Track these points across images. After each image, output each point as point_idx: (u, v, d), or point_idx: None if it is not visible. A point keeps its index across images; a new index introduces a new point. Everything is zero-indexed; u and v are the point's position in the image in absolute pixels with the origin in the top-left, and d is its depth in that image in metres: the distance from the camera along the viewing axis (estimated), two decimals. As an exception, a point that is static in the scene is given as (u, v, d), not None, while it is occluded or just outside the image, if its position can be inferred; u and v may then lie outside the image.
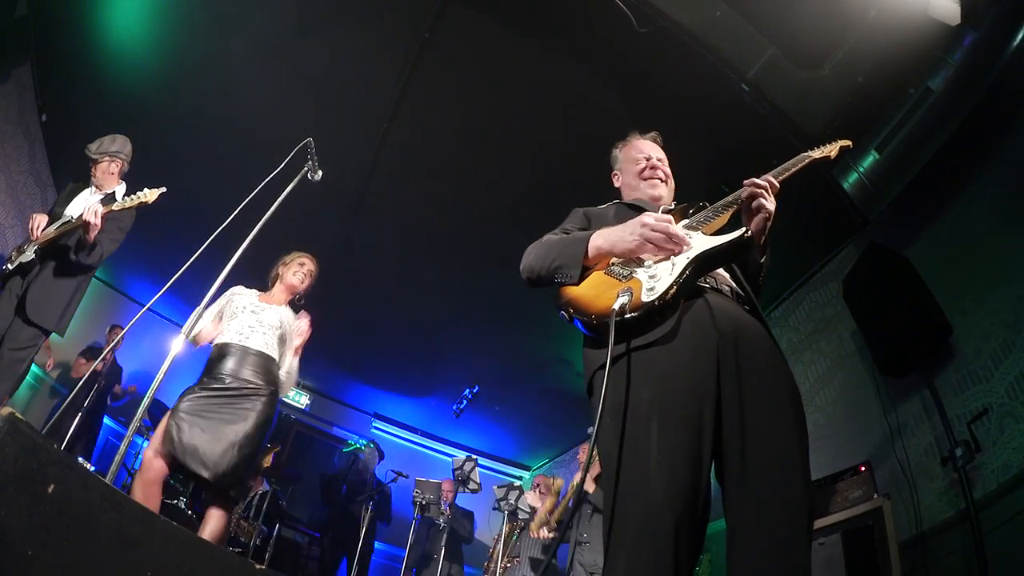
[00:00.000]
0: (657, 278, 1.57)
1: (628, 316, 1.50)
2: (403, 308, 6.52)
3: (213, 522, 2.87)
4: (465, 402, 7.55)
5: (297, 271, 3.55)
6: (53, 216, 3.63)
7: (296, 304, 3.58)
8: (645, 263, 1.66)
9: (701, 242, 1.64)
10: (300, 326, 3.42)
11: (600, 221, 1.94)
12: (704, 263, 1.61)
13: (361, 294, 5.96)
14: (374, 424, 7.73)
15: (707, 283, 1.69)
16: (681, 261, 1.59)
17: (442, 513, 5.86)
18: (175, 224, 5.02)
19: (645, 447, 1.35)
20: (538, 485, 5.91)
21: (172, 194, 3.99)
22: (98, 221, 3.38)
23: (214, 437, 2.87)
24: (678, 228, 1.69)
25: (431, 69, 4.50)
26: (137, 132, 4.01)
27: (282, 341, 3.34)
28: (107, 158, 3.77)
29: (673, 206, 2.05)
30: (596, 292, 1.65)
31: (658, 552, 1.25)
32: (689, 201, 1.96)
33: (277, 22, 4.25)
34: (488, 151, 5.06)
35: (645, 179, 2.12)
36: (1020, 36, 3.11)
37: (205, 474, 2.77)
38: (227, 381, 3.05)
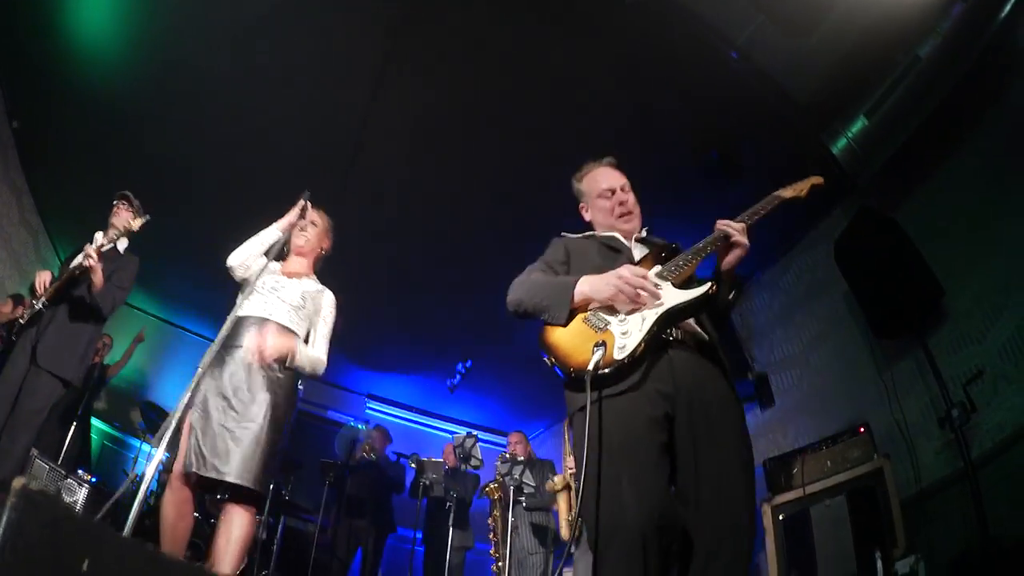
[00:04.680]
0: (628, 333, 1.74)
1: (601, 372, 1.69)
2: (392, 286, 6.47)
3: (238, 524, 2.57)
4: (459, 377, 7.55)
5: (299, 232, 3.12)
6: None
7: (319, 265, 3.23)
8: (619, 315, 1.81)
9: (670, 296, 1.79)
10: (327, 311, 3.06)
11: (580, 258, 2.08)
12: (672, 317, 1.78)
13: (348, 273, 5.88)
14: (368, 405, 7.74)
15: (672, 334, 1.83)
16: (651, 316, 1.75)
17: (446, 483, 5.81)
18: (156, 223, 4.88)
19: (618, 482, 1.61)
20: (518, 443, 5.92)
21: (152, 194, 3.92)
22: (94, 259, 3.40)
23: (234, 428, 2.58)
24: (650, 281, 1.81)
25: (410, 48, 4.36)
26: (113, 133, 3.87)
27: (307, 320, 2.99)
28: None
29: (646, 246, 2.13)
30: (573, 344, 1.81)
31: (632, 568, 1.52)
32: (661, 242, 2.08)
33: (248, 17, 4.06)
34: (472, 127, 4.94)
35: (619, 216, 2.19)
36: (1009, 6, 3.08)
37: (228, 477, 2.49)
38: (246, 355, 2.72)
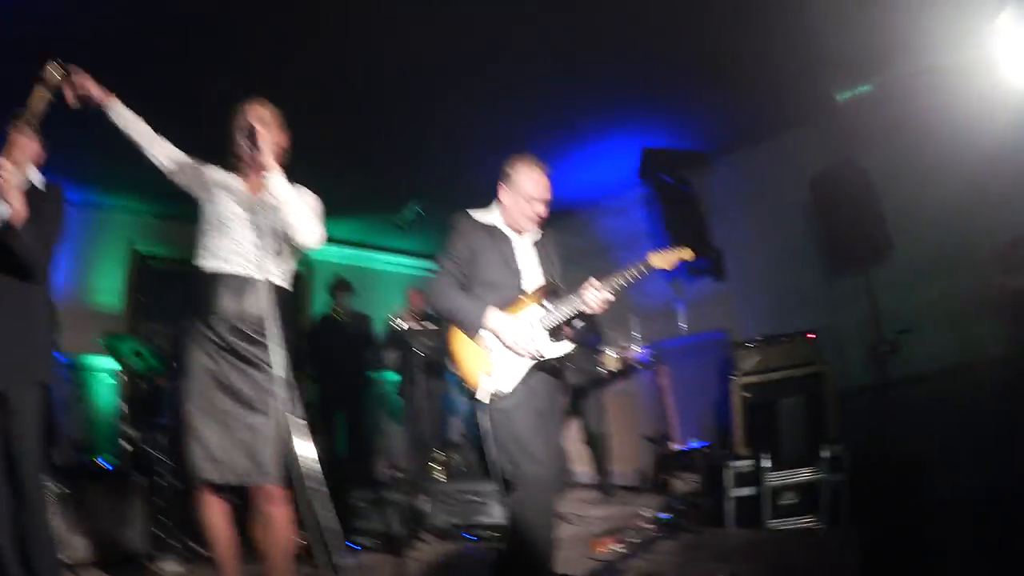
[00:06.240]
0: (509, 367, 2.44)
1: (493, 399, 2.40)
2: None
3: (279, 524, 2.32)
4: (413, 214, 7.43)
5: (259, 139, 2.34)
6: None
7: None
8: (503, 352, 2.45)
9: (544, 348, 2.47)
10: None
11: (481, 261, 2.54)
12: (542, 365, 2.49)
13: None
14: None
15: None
16: (527, 363, 2.45)
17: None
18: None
19: (533, 450, 2.37)
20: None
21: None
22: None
23: (246, 418, 2.26)
24: (536, 346, 2.44)
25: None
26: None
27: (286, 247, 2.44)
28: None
29: (533, 254, 2.66)
30: (469, 361, 2.48)
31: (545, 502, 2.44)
32: (546, 281, 2.60)
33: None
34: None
35: (531, 222, 2.62)
36: None
37: (251, 479, 2.25)
38: (234, 334, 2.29)
